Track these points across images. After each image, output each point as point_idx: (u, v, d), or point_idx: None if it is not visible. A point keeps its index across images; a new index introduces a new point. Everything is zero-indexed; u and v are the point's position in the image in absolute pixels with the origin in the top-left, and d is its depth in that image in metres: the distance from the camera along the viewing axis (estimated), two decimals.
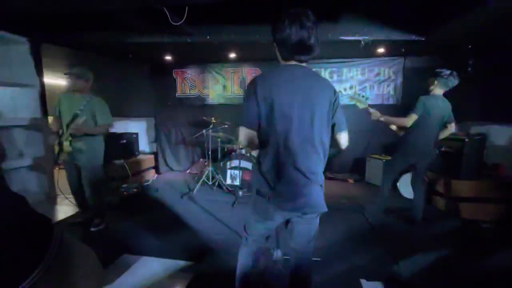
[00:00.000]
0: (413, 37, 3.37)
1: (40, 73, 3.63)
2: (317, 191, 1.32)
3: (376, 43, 3.77)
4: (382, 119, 2.82)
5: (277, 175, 1.25)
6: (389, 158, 4.35)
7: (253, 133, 1.26)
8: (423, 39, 3.37)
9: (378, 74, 4.84)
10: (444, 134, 2.83)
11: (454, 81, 2.71)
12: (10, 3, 2.57)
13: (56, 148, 2.65)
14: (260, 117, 1.22)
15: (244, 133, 1.25)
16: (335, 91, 1.31)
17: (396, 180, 3.39)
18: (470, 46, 3.93)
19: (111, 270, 2.14)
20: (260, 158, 1.30)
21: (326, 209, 1.35)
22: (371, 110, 2.84)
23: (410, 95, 4.74)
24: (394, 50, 4.22)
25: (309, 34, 1.22)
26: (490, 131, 3.76)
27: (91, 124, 2.71)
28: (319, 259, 2.23)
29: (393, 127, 2.96)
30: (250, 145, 1.29)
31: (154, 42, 3.50)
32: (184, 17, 2.69)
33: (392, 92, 4.84)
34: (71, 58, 4.27)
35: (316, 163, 1.29)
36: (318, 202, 1.33)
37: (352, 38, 3.39)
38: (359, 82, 4.91)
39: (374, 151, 4.76)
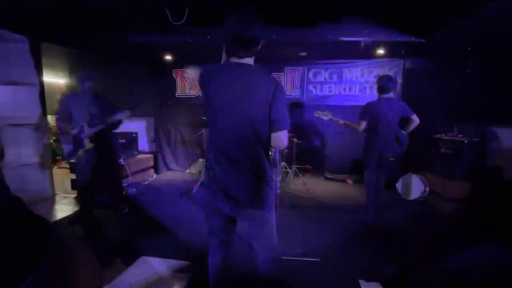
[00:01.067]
0: (413, 39, 3.38)
1: (40, 72, 3.62)
2: (252, 187, 1.29)
3: (376, 44, 3.78)
4: (344, 124, 3.16)
5: (217, 169, 1.30)
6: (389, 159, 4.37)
7: None
8: (422, 40, 3.38)
9: (377, 75, 4.85)
10: (411, 126, 3.10)
11: (392, 84, 3.05)
12: (10, 2, 2.57)
13: (60, 148, 2.74)
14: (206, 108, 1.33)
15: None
16: (276, 87, 1.23)
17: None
18: (469, 48, 3.95)
19: (110, 269, 2.14)
20: (208, 152, 1.37)
21: (268, 206, 1.32)
22: (334, 118, 3.14)
23: (409, 97, 4.75)
24: (394, 51, 4.24)
25: (246, 28, 1.20)
26: (490, 133, 3.76)
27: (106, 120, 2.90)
28: (317, 259, 2.24)
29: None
30: None
31: (154, 41, 3.50)
32: (185, 17, 2.69)
33: (392, 94, 4.83)
34: (70, 57, 4.27)
35: (254, 159, 1.27)
36: (254, 198, 1.29)
37: (352, 39, 3.40)
38: (358, 83, 4.92)
39: None
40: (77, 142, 2.74)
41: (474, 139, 3.21)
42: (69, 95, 2.83)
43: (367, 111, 3.02)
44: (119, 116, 2.92)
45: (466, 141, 3.17)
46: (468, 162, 3.18)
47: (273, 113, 1.24)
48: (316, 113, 3.23)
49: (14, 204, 0.52)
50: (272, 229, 1.42)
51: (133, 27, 3.25)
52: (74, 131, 2.74)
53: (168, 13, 2.61)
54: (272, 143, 1.30)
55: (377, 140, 2.98)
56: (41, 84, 3.65)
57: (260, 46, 1.28)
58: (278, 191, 2.07)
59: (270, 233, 1.42)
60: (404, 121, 3.11)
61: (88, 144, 2.75)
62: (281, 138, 1.28)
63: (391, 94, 3.09)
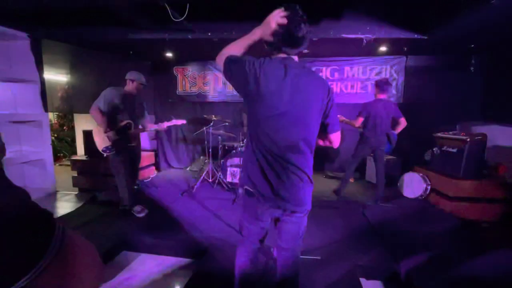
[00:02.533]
0: (415, 36, 3.35)
1: (40, 69, 3.62)
2: (305, 190, 1.31)
3: (378, 42, 3.75)
4: (342, 121, 3.38)
5: (264, 174, 1.25)
6: (390, 157, 4.36)
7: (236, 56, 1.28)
8: (425, 37, 3.35)
9: (379, 72, 4.82)
10: (399, 128, 3.50)
11: (388, 87, 3.42)
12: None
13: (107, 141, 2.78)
14: (248, 85, 1.21)
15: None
16: (329, 90, 1.28)
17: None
18: (472, 45, 3.91)
19: (111, 267, 2.15)
20: (248, 156, 1.31)
21: (310, 208, 1.36)
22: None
23: (412, 94, 4.74)
24: (396, 48, 4.20)
25: (298, 27, 1.20)
26: (492, 131, 3.74)
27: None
28: (318, 257, 2.23)
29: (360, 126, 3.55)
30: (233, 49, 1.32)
31: (155, 38, 3.49)
32: (185, 14, 2.67)
33: (393, 91, 4.82)
34: (71, 54, 4.25)
35: (304, 162, 1.28)
36: (305, 200, 1.33)
37: (354, 36, 3.37)
38: (360, 80, 4.89)
39: None
40: (123, 138, 2.81)
41: (477, 137, 3.19)
42: (115, 90, 2.80)
43: (365, 110, 3.40)
44: (153, 128, 3.20)
45: (468, 139, 3.15)
46: (470, 161, 3.16)
47: (330, 115, 1.31)
48: None
49: (18, 197, 0.51)
50: (303, 231, 1.44)
51: (134, 23, 3.23)
52: (122, 124, 2.80)
53: (168, 9, 2.59)
54: (329, 143, 1.39)
55: (371, 136, 3.40)
56: (42, 81, 3.65)
57: (306, 44, 1.28)
58: None
59: (301, 236, 1.45)
60: (394, 123, 3.50)
61: (133, 141, 2.93)
62: (337, 138, 1.37)
63: (386, 96, 3.46)
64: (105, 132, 2.73)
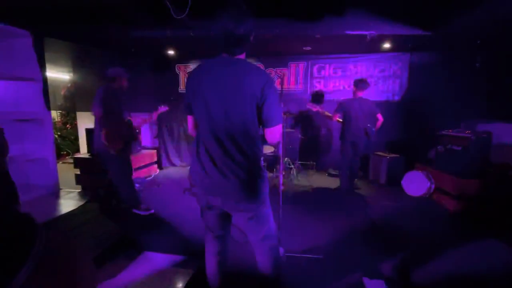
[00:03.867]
0: (419, 32, 3.30)
1: (42, 67, 3.62)
2: (244, 181, 1.27)
3: (382, 38, 3.70)
4: (322, 113, 3.89)
5: (203, 166, 1.31)
6: (393, 155, 4.31)
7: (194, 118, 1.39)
8: (429, 33, 3.30)
9: (383, 70, 4.77)
10: (378, 123, 3.77)
11: (365, 85, 3.61)
12: None
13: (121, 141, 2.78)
14: (190, 107, 1.33)
15: (188, 120, 1.43)
16: (267, 81, 1.21)
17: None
18: (478, 41, 3.84)
19: (113, 265, 2.15)
20: (196, 145, 1.37)
21: (258, 201, 1.31)
22: (321, 110, 3.87)
23: (416, 91, 4.68)
24: (400, 45, 4.15)
25: (236, 26, 1.18)
26: (497, 129, 3.68)
27: None
28: (320, 256, 2.22)
29: (339, 120, 3.84)
30: (193, 131, 1.44)
31: (156, 36, 3.47)
32: (187, 11, 2.65)
33: (397, 89, 4.76)
34: (73, 52, 4.26)
35: (243, 154, 1.26)
36: (246, 192, 1.28)
37: (357, 32, 3.33)
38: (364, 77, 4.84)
39: (377, 148, 4.70)
40: (130, 134, 2.85)
41: (482, 135, 3.14)
42: (108, 87, 2.76)
43: (340, 107, 3.69)
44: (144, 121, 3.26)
45: (473, 137, 3.10)
46: (475, 159, 3.11)
47: (266, 108, 1.23)
48: (308, 105, 3.92)
49: None
50: (268, 223, 1.41)
51: (135, 21, 3.21)
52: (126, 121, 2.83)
53: (169, 6, 2.57)
54: (266, 138, 1.30)
55: (349, 131, 3.67)
56: (44, 79, 3.65)
57: (249, 42, 1.27)
58: (282, 187, 2.05)
59: (267, 227, 1.41)
60: (374, 119, 3.75)
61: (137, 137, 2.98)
62: (274, 133, 1.28)
63: (363, 94, 3.67)
64: (117, 130, 2.72)
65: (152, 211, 3.07)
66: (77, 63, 4.39)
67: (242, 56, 1.30)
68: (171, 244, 2.44)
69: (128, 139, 2.84)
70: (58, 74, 4.80)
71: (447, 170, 3.38)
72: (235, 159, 1.26)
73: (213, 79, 1.24)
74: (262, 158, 1.40)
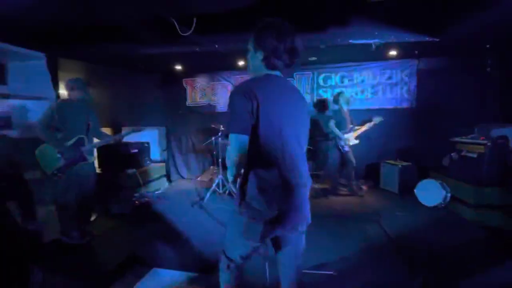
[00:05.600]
0: (426, 38, 3.26)
1: (56, 86, 3.76)
2: (308, 205, 1.32)
3: (388, 46, 3.67)
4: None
5: (277, 193, 1.15)
6: (405, 163, 4.20)
7: (246, 141, 1.09)
8: (437, 40, 3.26)
9: (390, 77, 4.72)
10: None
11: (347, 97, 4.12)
12: (27, 20, 2.68)
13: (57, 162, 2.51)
14: (252, 125, 1.09)
15: (235, 143, 1.08)
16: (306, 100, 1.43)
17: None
18: (488, 45, 3.77)
19: (122, 282, 2.13)
20: (255, 174, 1.15)
21: (310, 221, 1.35)
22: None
23: (426, 98, 4.59)
24: (407, 52, 4.11)
25: (297, 41, 1.20)
26: None
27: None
28: (332, 272, 2.14)
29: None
30: (242, 158, 1.10)
31: (164, 52, 3.56)
32: (193, 27, 2.71)
33: (406, 95, 4.69)
34: (85, 71, 4.40)
35: (308, 177, 1.29)
36: (308, 216, 1.32)
37: (362, 41, 3.32)
38: (370, 85, 4.80)
39: (388, 157, 4.60)
40: (74, 155, 2.55)
41: (499, 141, 3.02)
42: (64, 102, 2.64)
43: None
44: (109, 139, 2.82)
45: (489, 144, 2.99)
46: (492, 166, 2.99)
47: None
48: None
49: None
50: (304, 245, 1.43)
51: (143, 39, 3.31)
52: (70, 142, 2.54)
53: (176, 24, 2.64)
54: None
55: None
56: (58, 98, 3.78)
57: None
58: None
59: (303, 249, 1.43)
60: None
61: (90, 158, 2.67)
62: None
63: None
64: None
65: (83, 241, 2.68)
66: (88, 81, 4.53)
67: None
68: (181, 260, 2.41)
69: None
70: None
71: (462, 178, 3.26)
72: (307, 179, 1.27)
73: (278, 100, 1.17)
74: None
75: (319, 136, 5.00)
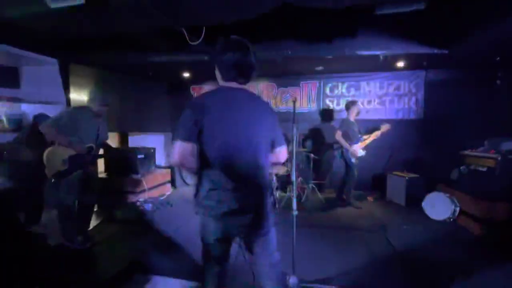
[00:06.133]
0: (435, 51, 3.24)
1: (67, 91, 3.84)
2: (261, 206, 1.34)
3: (396, 57, 3.66)
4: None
5: (225, 193, 1.27)
6: (412, 175, 4.13)
7: (188, 148, 1.21)
8: (446, 52, 3.24)
9: (398, 87, 4.69)
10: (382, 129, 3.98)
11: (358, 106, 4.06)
12: (41, 27, 2.76)
13: (62, 166, 2.51)
14: (198, 135, 1.24)
15: (177, 148, 1.21)
16: (272, 109, 1.45)
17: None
18: (498, 58, 3.72)
19: None
20: (203, 179, 1.30)
21: (267, 229, 1.37)
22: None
23: (434, 109, 4.55)
24: (415, 63, 4.09)
25: (248, 56, 1.31)
26: None
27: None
28: (336, 287, 2.09)
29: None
30: (185, 159, 1.22)
31: (172, 60, 3.62)
32: (202, 37, 2.75)
33: (414, 107, 4.65)
34: (96, 76, 4.50)
35: (258, 179, 1.33)
36: (263, 216, 1.35)
37: (369, 52, 3.32)
38: (377, 96, 4.78)
39: (395, 168, 4.53)
40: (80, 162, 2.57)
41: (509, 156, 2.95)
42: (79, 110, 2.66)
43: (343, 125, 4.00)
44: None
45: (499, 158, 2.93)
46: (502, 180, 2.92)
47: (276, 131, 1.40)
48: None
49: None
50: (275, 246, 1.45)
51: (153, 47, 3.38)
52: (84, 147, 2.59)
53: (185, 33, 2.69)
54: (274, 159, 1.43)
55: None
56: (68, 102, 3.85)
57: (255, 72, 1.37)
58: (295, 213, 1.98)
59: (274, 250, 1.44)
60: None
61: (91, 166, 2.73)
62: (282, 153, 1.44)
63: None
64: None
65: (85, 246, 2.70)
66: (99, 87, 4.62)
67: (246, 86, 1.38)
68: (182, 268, 2.39)
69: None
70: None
71: (472, 192, 3.18)
72: (255, 183, 1.32)
73: (227, 109, 1.28)
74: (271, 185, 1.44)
75: (323, 145, 4.98)
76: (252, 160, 1.30)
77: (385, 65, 4.01)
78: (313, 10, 2.33)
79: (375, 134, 3.97)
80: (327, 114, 4.99)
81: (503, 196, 2.91)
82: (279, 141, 1.42)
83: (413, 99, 4.63)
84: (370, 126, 4.31)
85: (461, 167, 3.44)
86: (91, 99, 2.70)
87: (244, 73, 1.32)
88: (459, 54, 3.34)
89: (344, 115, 4.20)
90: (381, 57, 3.41)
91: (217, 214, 1.27)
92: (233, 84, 1.34)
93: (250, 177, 1.30)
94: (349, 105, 4.01)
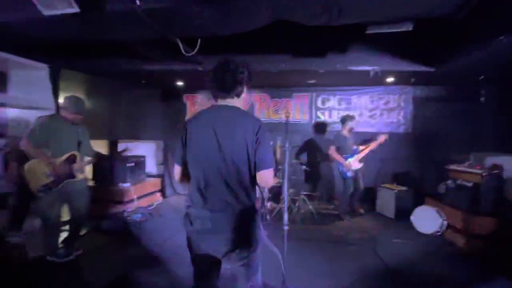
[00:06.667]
0: (422, 68, 3.37)
1: (56, 97, 3.77)
2: (239, 227, 1.29)
3: (385, 73, 3.78)
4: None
5: (202, 211, 1.30)
6: (401, 188, 4.20)
7: (180, 170, 1.39)
8: (432, 70, 3.36)
9: (387, 102, 4.82)
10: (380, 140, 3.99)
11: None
12: (33, 33, 2.71)
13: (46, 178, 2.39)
14: (185, 155, 1.35)
15: (174, 171, 1.43)
16: (259, 127, 1.29)
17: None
18: (482, 77, 3.89)
19: None
20: (189, 192, 1.38)
21: (251, 247, 1.32)
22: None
23: (421, 124, 4.68)
24: (403, 79, 4.22)
25: (224, 74, 1.33)
26: (508, 163, 3.57)
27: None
28: None
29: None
30: (182, 180, 1.41)
31: (166, 70, 3.62)
32: (196, 48, 2.77)
33: (402, 121, 4.77)
34: (87, 82, 4.44)
35: (238, 199, 1.29)
36: (240, 238, 1.30)
37: (360, 68, 3.42)
38: (368, 109, 4.89)
39: (385, 181, 4.60)
40: (64, 172, 2.46)
41: (494, 171, 3.05)
42: (51, 119, 2.50)
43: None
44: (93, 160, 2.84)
45: (484, 174, 3.02)
46: (488, 196, 3.00)
47: (258, 153, 1.29)
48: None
49: None
50: (257, 270, 1.40)
51: (147, 56, 3.37)
52: (61, 159, 2.47)
53: (180, 44, 2.70)
54: (258, 182, 1.33)
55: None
56: (57, 108, 3.77)
57: (242, 88, 1.37)
58: (286, 228, 1.97)
59: (254, 274, 1.38)
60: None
61: (80, 175, 2.59)
62: (266, 177, 1.31)
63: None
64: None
65: (70, 258, 2.59)
66: (90, 92, 4.56)
67: (234, 102, 1.36)
68: (170, 282, 2.32)
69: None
70: None
71: (459, 207, 3.25)
72: (231, 204, 1.29)
73: (205, 126, 1.30)
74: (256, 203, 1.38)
75: (315, 157, 5.02)
76: (231, 181, 1.28)
77: (375, 80, 4.13)
78: (306, 26, 2.40)
79: (372, 145, 3.99)
80: (319, 126, 5.06)
81: (488, 211, 2.98)
82: (263, 163, 1.30)
83: (402, 113, 4.76)
84: (361, 139, 4.38)
85: (448, 181, 3.53)
86: (63, 108, 2.55)
87: (222, 86, 1.34)
88: (444, 72, 3.48)
89: (337, 127, 4.26)
90: (371, 73, 3.51)
91: (192, 231, 1.32)
92: (220, 102, 1.37)
93: (227, 198, 1.28)
94: (346, 119, 4.02)
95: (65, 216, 2.81)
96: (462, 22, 2.31)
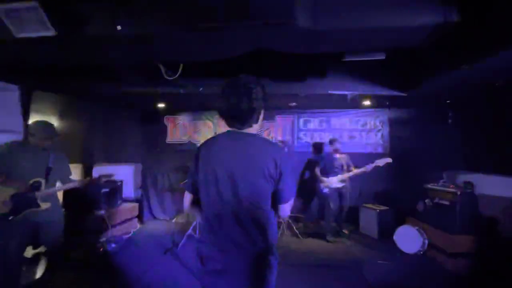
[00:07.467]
0: (395, 93, 3.57)
1: (26, 119, 3.55)
2: (252, 269, 1.18)
3: (362, 96, 3.96)
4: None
5: (213, 241, 1.21)
6: (383, 207, 4.27)
7: (190, 198, 1.33)
8: (404, 94, 3.58)
9: (365, 124, 5.03)
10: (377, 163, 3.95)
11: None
12: (3, 53, 2.59)
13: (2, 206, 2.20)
14: (196, 182, 1.26)
15: (186, 197, 1.35)
16: (281, 156, 1.18)
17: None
18: (448, 101, 4.19)
19: None
20: (200, 222, 1.32)
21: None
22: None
23: (398, 145, 4.90)
24: (379, 102, 4.45)
25: (238, 102, 1.18)
26: (478, 180, 3.77)
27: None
28: None
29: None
30: (192, 208, 1.35)
31: (147, 92, 3.56)
32: (178, 73, 2.77)
33: (380, 141, 4.97)
34: (61, 103, 4.24)
35: (241, 242, 1.17)
36: (254, 280, 1.19)
37: (339, 92, 3.56)
38: (347, 130, 5.06)
39: (367, 200, 4.67)
40: (25, 200, 2.27)
41: (467, 190, 3.20)
42: (11, 146, 2.37)
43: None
44: (72, 185, 2.61)
45: (459, 193, 3.15)
46: (463, 214, 3.11)
47: (280, 184, 1.20)
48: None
49: None
50: None
51: (126, 79, 3.31)
52: (25, 187, 2.28)
53: (162, 68, 2.69)
54: (279, 213, 1.27)
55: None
56: (26, 132, 3.54)
57: (259, 114, 1.26)
58: None
59: None
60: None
61: (44, 204, 2.34)
62: (286, 209, 1.27)
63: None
64: None
65: None
66: (64, 114, 4.35)
67: (252, 130, 1.26)
68: None
69: None
70: None
71: (438, 225, 3.34)
72: (241, 244, 1.18)
73: (223, 156, 1.19)
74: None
75: (300, 179, 5.04)
76: (244, 218, 1.15)
77: (353, 103, 4.32)
78: (287, 53, 2.48)
79: (357, 170, 4.02)
80: (316, 148, 5.09)
81: (464, 229, 3.08)
82: (285, 196, 1.22)
83: (379, 134, 4.97)
84: (364, 161, 4.39)
85: (425, 200, 3.64)
86: (30, 134, 2.40)
87: (237, 119, 1.22)
88: (415, 96, 3.71)
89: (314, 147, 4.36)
90: (348, 97, 3.67)
91: (202, 270, 1.23)
92: (234, 128, 1.26)
93: (237, 237, 1.16)
94: (332, 141, 4.29)
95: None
96: (428, 52, 2.51)
